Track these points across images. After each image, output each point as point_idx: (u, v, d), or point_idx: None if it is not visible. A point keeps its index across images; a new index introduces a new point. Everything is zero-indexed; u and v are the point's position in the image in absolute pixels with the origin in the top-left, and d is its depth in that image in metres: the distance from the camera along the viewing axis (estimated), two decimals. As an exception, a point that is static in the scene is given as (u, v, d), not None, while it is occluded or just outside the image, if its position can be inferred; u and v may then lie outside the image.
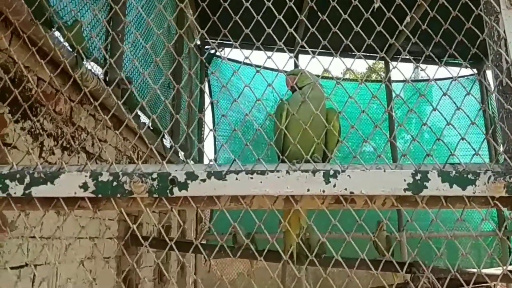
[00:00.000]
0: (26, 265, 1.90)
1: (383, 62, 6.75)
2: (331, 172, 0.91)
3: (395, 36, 1.17)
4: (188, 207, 0.94)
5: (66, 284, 2.26)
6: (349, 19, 1.13)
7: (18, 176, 0.91)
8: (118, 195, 0.92)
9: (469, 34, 1.21)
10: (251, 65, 1.33)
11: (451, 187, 0.89)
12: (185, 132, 4.37)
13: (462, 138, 0.97)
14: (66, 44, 2.17)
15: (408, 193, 0.89)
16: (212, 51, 5.63)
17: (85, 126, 2.53)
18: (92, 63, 2.53)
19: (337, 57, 1.14)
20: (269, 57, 1.04)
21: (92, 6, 2.50)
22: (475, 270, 2.62)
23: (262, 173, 0.92)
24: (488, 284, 2.45)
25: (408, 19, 1.12)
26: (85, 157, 2.47)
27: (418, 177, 0.90)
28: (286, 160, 0.95)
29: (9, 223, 1.76)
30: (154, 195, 0.92)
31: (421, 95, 1.04)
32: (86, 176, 0.92)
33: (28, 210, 0.94)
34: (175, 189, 0.92)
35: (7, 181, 0.91)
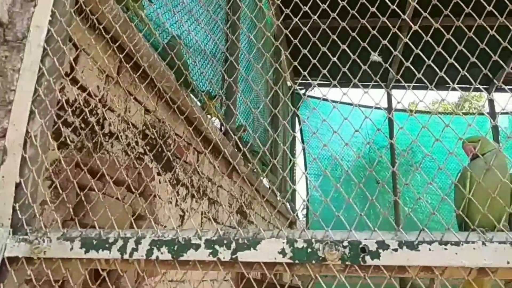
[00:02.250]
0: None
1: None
2: (532, 245, 0.90)
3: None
4: (378, 275, 0.99)
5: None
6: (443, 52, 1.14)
7: (225, 242, 1.03)
8: (313, 261, 0.99)
9: None
10: (345, 103, 1.39)
11: None
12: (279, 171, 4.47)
13: None
14: (198, 103, 2.42)
15: None
16: (302, 91, 5.77)
17: (207, 174, 2.73)
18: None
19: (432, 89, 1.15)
20: (365, 92, 1.09)
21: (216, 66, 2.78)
22: None
23: (457, 244, 0.93)
24: None
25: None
26: (207, 202, 2.65)
27: None
28: (476, 229, 0.95)
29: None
30: (347, 263, 0.98)
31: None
32: (283, 242, 1.01)
33: (230, 271, 1.05)
34: (367, 258, 0.97)
35: (217, 246, 1.03)
